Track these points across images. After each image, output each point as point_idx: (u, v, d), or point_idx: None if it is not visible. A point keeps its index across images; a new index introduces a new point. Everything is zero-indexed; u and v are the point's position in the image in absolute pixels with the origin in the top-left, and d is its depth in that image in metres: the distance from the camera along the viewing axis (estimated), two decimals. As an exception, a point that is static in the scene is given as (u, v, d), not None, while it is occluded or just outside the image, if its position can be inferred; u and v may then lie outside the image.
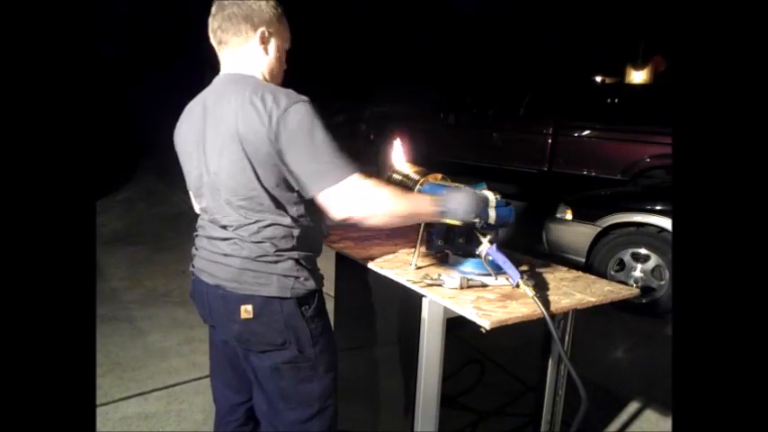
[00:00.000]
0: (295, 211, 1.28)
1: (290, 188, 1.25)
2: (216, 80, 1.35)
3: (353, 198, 1.22)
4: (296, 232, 1.29)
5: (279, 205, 1.26)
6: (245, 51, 1.32)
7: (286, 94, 1.22)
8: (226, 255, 1.32)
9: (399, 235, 1.97)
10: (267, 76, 1.35)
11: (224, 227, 1.31)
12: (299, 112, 1.19)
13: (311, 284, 1.33)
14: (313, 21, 14.24)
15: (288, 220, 1.28)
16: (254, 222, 1.27)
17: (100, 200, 6.12)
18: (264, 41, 1.32)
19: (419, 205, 1.35)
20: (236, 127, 1.21)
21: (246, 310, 1.30)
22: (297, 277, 1.30)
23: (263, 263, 1.29)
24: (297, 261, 1.30)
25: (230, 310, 1.32)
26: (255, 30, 1.30)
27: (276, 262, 1.29)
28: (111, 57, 11.36)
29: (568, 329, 1.69)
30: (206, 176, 1.32)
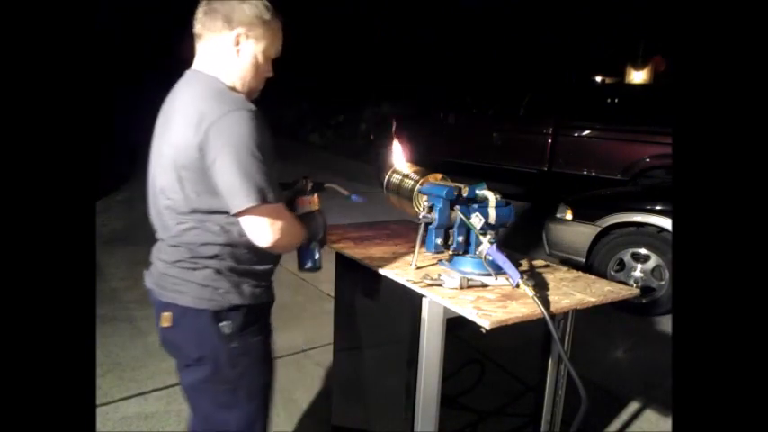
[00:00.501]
0: (223, 219, 1.21)
1: (218, 196, 1.18)
2: (184, 74, 1.31)
3: (267, 227, 1.18)
4: (220, 240, 1.22)
5: (203, 211, 1.21)
6: (216, 50, 1.26)
7: (228, 102, 1.17)
8: (154, 256, 1.30)
9: (399, 235, 1.98)
10: (237, 82, 1.27)
11: (156, 228, 1.30)
12: (233, 123, 1.13)
13: (233, 298, 1.25)
14: (313, 21, 14.24)
15: (214, 228, 1.21)
16: (176, 225, 1.23)
17: (100, 200, 6.13)
18: (238, 43, 1.25)
19: (300, 233, 1.33)
20: (174, 127, 1.19)
21: (166, 318, 1.26)
22: (216, 288, 1.24)
23: (180, 269, 1.24)
24: (217, 271, 1.24)
25: (156, 315, 1.29)
26: (231, 29, 1.24)
27: (193, 269, 1.23)
28: (110, 56, 11.36)
29: (568, 329, 1.69)
30: (150, 172, 1.30)
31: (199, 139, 1.13)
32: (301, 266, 1.45)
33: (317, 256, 1.44)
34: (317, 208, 1.44)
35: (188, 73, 1.29)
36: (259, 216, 1.17)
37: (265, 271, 1.34)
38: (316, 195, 1.46)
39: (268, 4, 1.30)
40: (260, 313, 1.34)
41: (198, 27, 1.27)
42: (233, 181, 1.13)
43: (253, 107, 1.18)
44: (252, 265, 1.29)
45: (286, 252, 1.34)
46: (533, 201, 6.50)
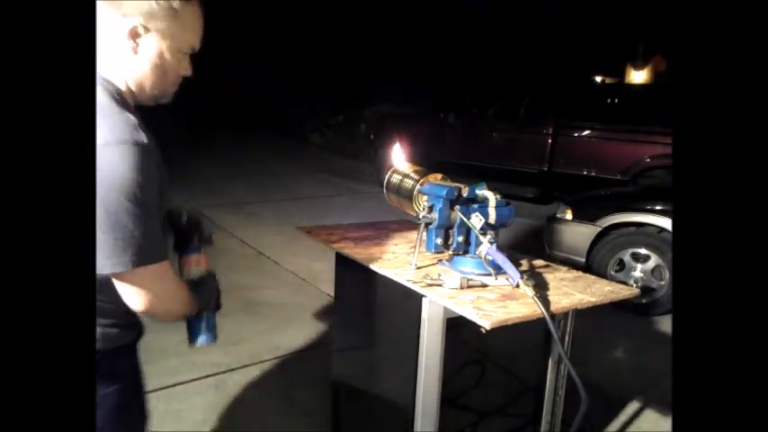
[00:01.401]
0: None
1: None
2: None
3: (142, 295, 0.98)
4: None
5: None
6: (109, 45, 0.99)
7: (108, 128, 0.90)
8: None
9: (399, 235, 1.98)
10: (134, 86, 1.03)
11: None
12: (108, 161, 0.88)
13: None
14: (313, 21, 14.24)
15: None
16: None
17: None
18: (134, 37, 0.99)
19: (187, 300, 1.13)
20: None
21: None
22: None
23: None
24: None
25: None
26: (123, 17, 0.97)
27: None
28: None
29: (568, 329, 1.69)
30: None
31: None
32: (192, 340, 1.21)
33: (210, 328, 1.21)
34: (204, 271, 1.23)
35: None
36: (130, 283, 0.97)
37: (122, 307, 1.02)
38: (202, 254, 1.24)
39: None
40: (115, 357, 1.08)
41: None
42: (101, 237, 0.89)
43: (140, 139, 0.92)
44: (102, 299, 0.99)
45: (170, 321, 1.13)
46: (533, 201, 6.50)
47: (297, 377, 2.66)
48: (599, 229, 3.78)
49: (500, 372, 2.80)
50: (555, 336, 1.40)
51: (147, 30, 0.99)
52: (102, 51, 0.98)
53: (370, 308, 1.78)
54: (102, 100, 0.96)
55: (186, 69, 1.09)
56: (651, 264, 3.63)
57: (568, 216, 3.96)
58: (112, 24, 0.98)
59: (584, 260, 3.83)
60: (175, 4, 1.00)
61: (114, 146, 0.89)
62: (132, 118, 0.96)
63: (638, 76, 13.39)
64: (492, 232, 1.47)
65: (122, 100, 1.01)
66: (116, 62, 1.01)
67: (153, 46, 1.01)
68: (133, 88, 1.04)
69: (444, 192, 1.45)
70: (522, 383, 2.61)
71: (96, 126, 0.85)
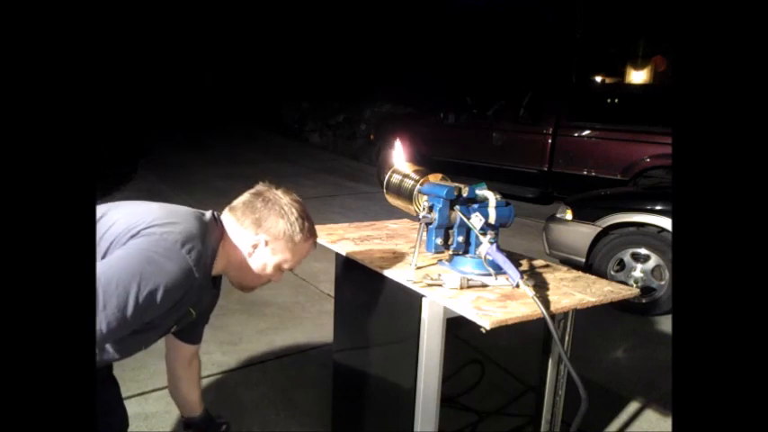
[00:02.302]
0: None
1: None
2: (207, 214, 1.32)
3: None
4: None
5: None
6: (235, 235, 1.29)
7: (191, 250, 1.13)
8: None
9: (399, 235, 1.98)
10: (231, 269, 1.32)
11: None
12: (169, 254, 1.08)
13: None
14: (313, 20, 14.24)
15: None
16: None
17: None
18: (256, 247, 1.29)
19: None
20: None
21: None
22: None
23: None
24: None
25: None
26: (256, 234, 1.27)
27: None
28: (112, 54, 11.36)
29: (568, 329, 1.70)
30: None
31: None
32: None
33: None
34: None
35: (208, 214, 1.28)
36: None
37: None
38: None
39: (308, 226, 1.31)
40: None
41: (236, 202, 1.31)
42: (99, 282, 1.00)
43: (192, 272, 1.11)
44: None
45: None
46: (533, 201, 6.51)
47: (297, 377, 2.66)
48: (599, 229, 3.78)
49: (500, 372, 2.80)
50: (555, 336, 1.40)
51: (266, 244, 1.27)
52: (231, 235, 1.27)
53: (370, 308, 1.78)
54: (206, 251, 1.18)
55: (276, 278, 1.34)
56: (651, 264, 3.63)
57: (568, 216, 3.96)
58: (247, 232, 1.26)
59: (584, 260, 3.83)
60: (296, 238, 1.28)
61: (180, 249, 1.08)
62: (205, 263, 1.17)
63: (638, 76, 13.39)
64: (492, 232, 1.47)
65: (218, 266, 1.25)
66: (233, 249, 1.27)
67: (264, 257, 1.28)
68: (228, 270, 1.30)
69: (444, 192, 1.45)
70: (522, 383, 2.61)
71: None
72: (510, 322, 1.26)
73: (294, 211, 1.28)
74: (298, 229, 1.28)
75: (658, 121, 5.54)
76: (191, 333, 1.49)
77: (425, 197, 1.50)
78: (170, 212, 1.19)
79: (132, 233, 1.09)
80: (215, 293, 1.41)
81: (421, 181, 1.58)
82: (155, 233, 1.08)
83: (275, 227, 1.26)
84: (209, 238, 1.20)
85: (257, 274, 1.31)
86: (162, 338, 1.39)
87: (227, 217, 1.30)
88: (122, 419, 1.51)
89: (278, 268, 1.31)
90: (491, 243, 1.42)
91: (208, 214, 1.27)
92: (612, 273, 3.72)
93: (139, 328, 1.12)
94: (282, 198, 1.29)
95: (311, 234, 1.33)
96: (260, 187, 1.31)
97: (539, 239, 4.33)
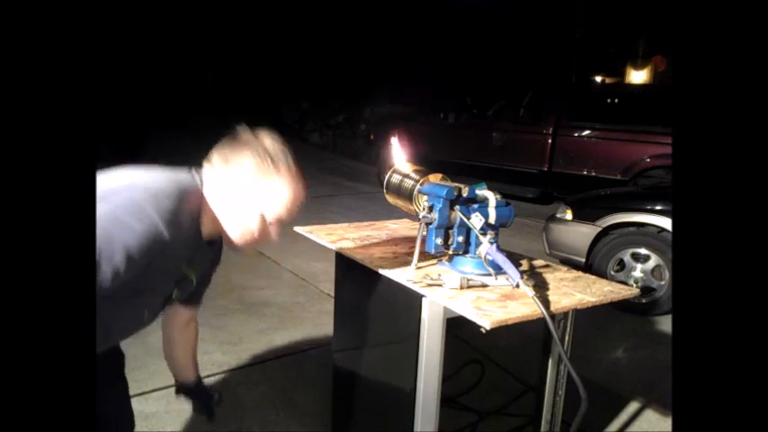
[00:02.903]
0: None
1: None
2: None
3: None
4: None
5: None
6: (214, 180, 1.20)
7: (170, 201, 1.09)
8: None
9: (399, 235, 1.98)
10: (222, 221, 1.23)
11: None
12: (145, 203, 1.05)
13: None
14: (313, 20, 14.24)
15: None
16: None
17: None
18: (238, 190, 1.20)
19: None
20: None
21: None
22: None
23: None
24: None
25: None
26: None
27: None
28: (112, 53, 11.36)
29: (568, 329, 1.69)
30: None
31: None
32: None
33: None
34: None
35: (185, 173, 1.20)
36: None
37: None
38: None
39: (286, 162, 1.17)
40: None
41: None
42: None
43: (164, 228, 1.05)
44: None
45: None
46: (533, 201, 6.51)
47: (297, 377, 2.66)
48: (599, 229, 3.78)
49: (500, 372, 2.80)
50: (555, 336, 1.40)
51: (237, 186, 1.15)
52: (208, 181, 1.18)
53: (370, 308, 1.78)
54: (191, 204, 1.13)
55: (268, 237, 1.21)
56: (651, 264, 3.63)
57: (568, 216, 3.96)
58: (216, 173, 1.17)
59: (584, 260, 3.83)
60: (271, 175, 1.15)
61: (146, 208, 1.03)
62: (180, 221, 1.09)
63: (638, 76, 13.39)
64: (492, 232, 1.47)
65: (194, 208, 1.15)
66: (209, 203, 1.17)
67: (239, 202, 1.16)
68: (215, 227, 1.19)
69: (444, 192, 1.45)
70: (522, 383, 2.61)
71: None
72: (510, 322, 1.26)
73: (268, 144, 1.16)
74: (270, 162, 1.14)
75: (658, 121, 5.54)
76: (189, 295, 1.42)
77: (425, 197, 1.50)
78: (139, 175, 1.15)
79: (100, 198, 1.04)
80: (214, 255, 1.36)
81: (421, 181, 1.58)
82: (121, 194, 1.06)
83: (242, 162, 1.14)
84: (187, 196, 1.13)
85: (240, 226, 1.18)
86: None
87: (204, 168, 1.21)
88: (129, 421, 1.50)
89: (262, 219, 1.18)
90: (491, 243, 1.42)
91: (185, 172, 1.20)
92: (612, 273, 3.72)
93: (134, 291, 1.11)
94: (258, 136, 1.18)
95: (291, 172, 1.17)
96: (237, 129, 1.20)
97: (539, 239, 4.33)
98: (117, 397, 1.46)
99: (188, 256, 1.22)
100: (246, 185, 1.15)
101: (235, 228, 1.19)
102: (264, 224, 1.19)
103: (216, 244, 1.32)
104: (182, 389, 1.63)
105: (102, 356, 1.25)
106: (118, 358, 1.48)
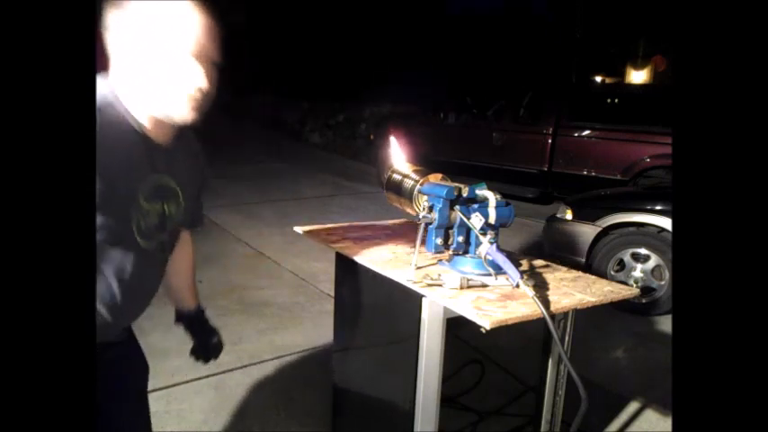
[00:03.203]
0: None
1: None
2: None
3: None
4: None
5: None
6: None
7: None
8: None
9: (399, 235, 1.98)
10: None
11: None
12: None
13: None
14: (313, 20, 14.24)
15: None
16: None
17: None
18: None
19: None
20: None
21: None
22: None
23: None
24: None
25: None
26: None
27: None
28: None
29: (568, 329, 1.69)
30: None
31: None
32: None
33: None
34: None
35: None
36: None
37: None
38: None
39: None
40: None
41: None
42: None
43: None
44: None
45: None
46: (533, 201, 6.51)
47: (297, 377, 2.66)
48: (599, 229, 3.78)
49: (500, 372, 2.80)
50: (555, 336, 1.40)
51: (116, 24, 0.99)
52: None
53: (369, 308, 1.78)
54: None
55: (193, 82, 1.05)
56: (651, 264, 3.63)
57: (568, 216, 3.96)
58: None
59: (584, 260, 3.83)
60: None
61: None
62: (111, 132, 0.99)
63: (637, 76, 13.40)
64: (492, 232, 1.47)
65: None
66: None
67: (128, 40, 1.00)
68: (141, 100, 1.05)
69: (444, 192, 1.45)
70: (522, 383, 2.61)
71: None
72: (510, 322, 1.26)
73: None
74: None
75: (658, 121, 5.54)
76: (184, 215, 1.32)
77: (425, 197, 1.50)
78: None
79: None
80: (189, 161, 1.28)
81: (421, 181, 1.58)
82: None
83: (121, 22, 0.99)
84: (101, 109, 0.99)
85: (158, 85, 1.02)
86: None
87: (111, 71, 1.06)
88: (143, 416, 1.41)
89: (172, 63, 1.01)
90: (491, 243, 1.42)
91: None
92: (612, 273, 3.72)
93: (113, 236, 1.05)
94: None
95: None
96: None
97: (539, 239, 4.33)
98: (139, 409, 1.36)
99: (149, 157, 1.09)
100: (134, 37, 0.99)
101: (155, 92, 1.03)
102: (179, 66, 1.02)
103: (183, 147, 1.22)
104: (181, 317, 1.50)
105: (127, 366, 1.27)
106: (144, 374, 1.37)
